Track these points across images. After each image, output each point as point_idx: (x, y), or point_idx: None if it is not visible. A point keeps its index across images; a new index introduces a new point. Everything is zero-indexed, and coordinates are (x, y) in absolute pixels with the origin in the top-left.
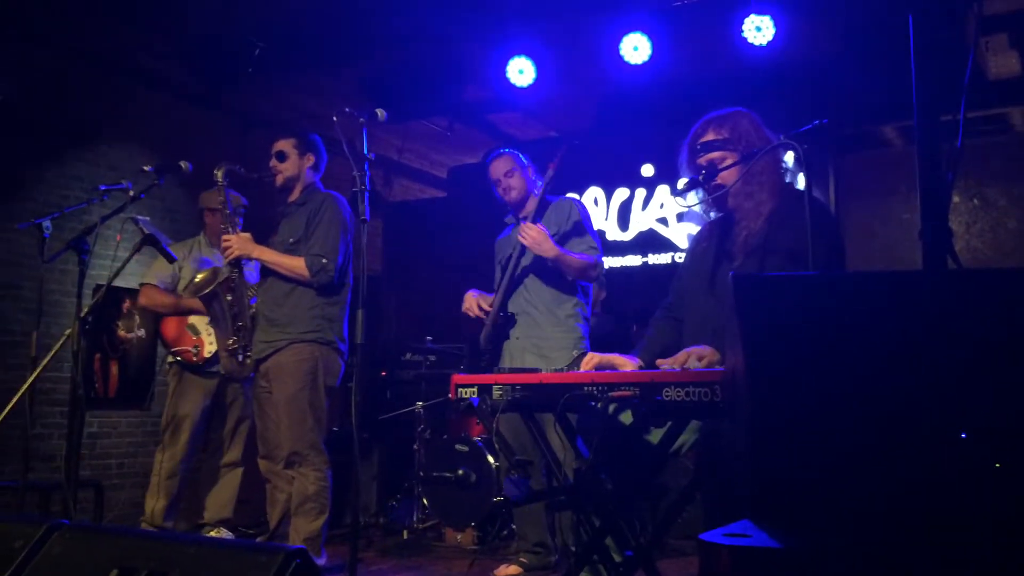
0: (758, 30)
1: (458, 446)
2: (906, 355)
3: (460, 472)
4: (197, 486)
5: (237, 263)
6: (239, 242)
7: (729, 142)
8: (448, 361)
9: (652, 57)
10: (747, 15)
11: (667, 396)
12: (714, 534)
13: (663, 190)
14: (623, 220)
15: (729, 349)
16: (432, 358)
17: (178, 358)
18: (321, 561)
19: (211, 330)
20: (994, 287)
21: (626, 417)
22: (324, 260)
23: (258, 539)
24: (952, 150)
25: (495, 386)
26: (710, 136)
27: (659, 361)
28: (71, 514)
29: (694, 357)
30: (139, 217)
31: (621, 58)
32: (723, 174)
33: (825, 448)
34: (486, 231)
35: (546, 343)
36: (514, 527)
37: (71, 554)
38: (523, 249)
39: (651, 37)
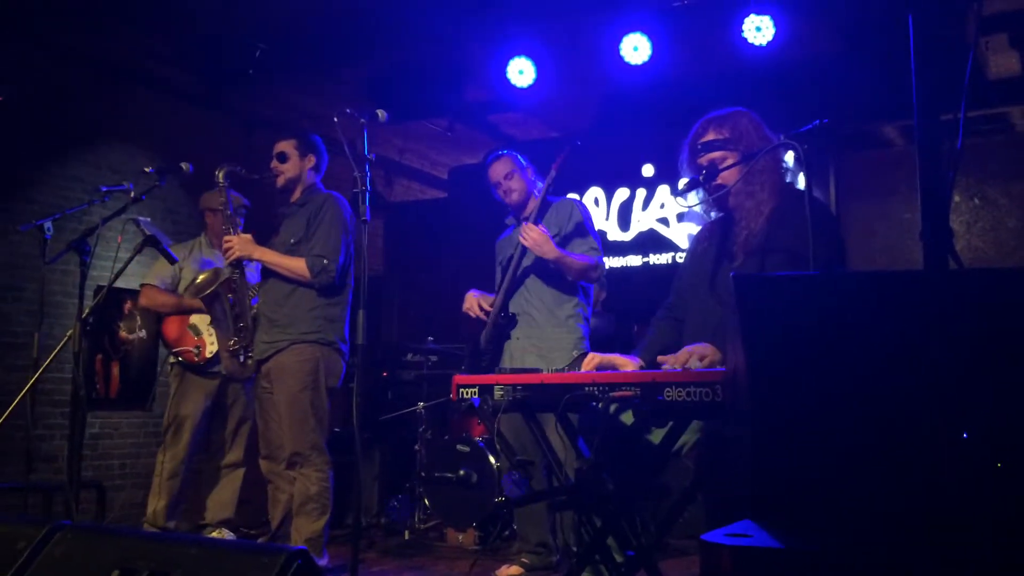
0: (758, 30)
1: (459, 446)
2: (907, 355)
3: (461, 472)
4: (199, 487)
5: (238, 264)
6: (240, 243)
7: (729, 142)
8: (449, 361)
9: (652, 57)
10: (747, 15)
11: (668, 396)
12: (716, 534)
13: (664, 190)
14: (624, 220)
15: (730, 349)
16: (433, 358)
17: (180, 358)
18: (323, 562)
19: (212, 330)
20: (995, 287)
21: (627, 417)
22: (325, 261)
23: (260, 540)
24: (952, 150)
25: (496, 386)
26: (710, 136)
27: (660, 358)
28: (73, 515)
29: (695, 357)
30: (140, 218)
31: (621, 58)
32: (724, 174)
33: (826, 448)
34: (487, 231)
35: (546, 343)
36: (515, 528)
37: (73, 555)
38: (524, 250)
39: (651, 37)
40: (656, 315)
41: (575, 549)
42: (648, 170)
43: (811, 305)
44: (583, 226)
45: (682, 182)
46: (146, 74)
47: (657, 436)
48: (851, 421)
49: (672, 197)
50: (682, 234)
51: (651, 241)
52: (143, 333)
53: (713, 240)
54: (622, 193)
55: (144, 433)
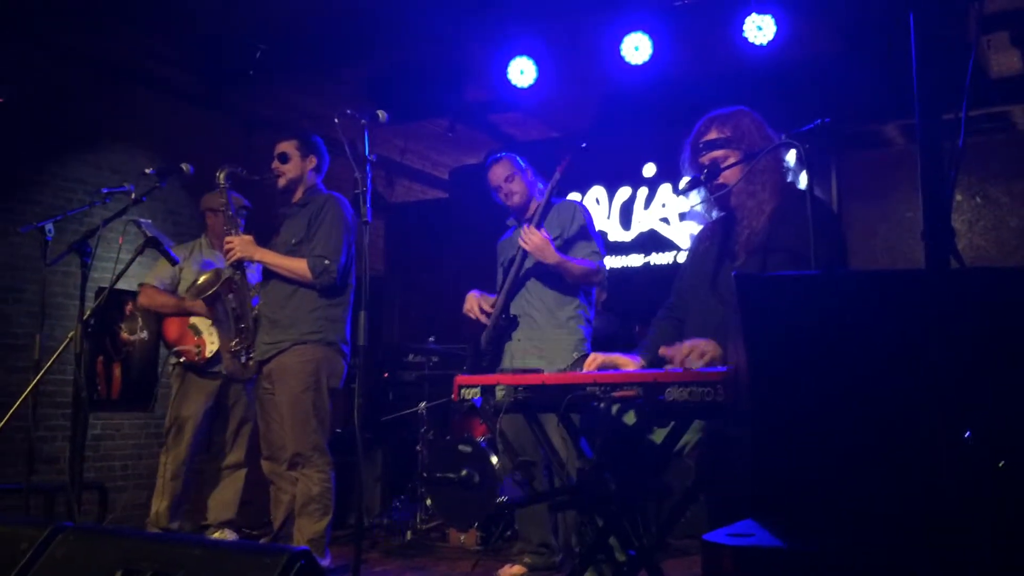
0: (759, 29)
1: (461, 447)
2: (908, 354)
3: (463, 473)
4: (200, 487)
5: (239, 265)
6: (241, 244)
7: (731, 141)
8: (451, 362)
9: (653, 57)
10: (748, 14)
11: (670, 396)
12: (717, 534)
13: (665, 189)
14: (625, 220)
15: (732, 348)
16: (435, 359)
17: (181, 359)
18: (325, 562)
19: (212, 330)
20: (997, 286)
21: (629, 417)
22: (327, 261)
23: (262, 540)
24: (954, 149)
25: (498, 387)
26: (712, 135)
27: (662, 351)
28: (75, 516)
29: (696, 352)
30: (141, 220)
31: (622, 58)
32: (725, 173)
33: (827, 448)
34: (488, 231)
35: (547, 345)
36: (517, 528)
37: (75, 556)
38: (525, 252)
39: (652, 37)
40: (657, 315)
41: (577, 549)
42: (649, 169)
43: (813, 304)
44: (586, 230)
45: (684, 181)
46: (146, 74)
47: (659, 436)
48: (852, 421)
49: (674, 196)
50: (683, 234)
51: (652, 241)
52: (144, 334)
53: (715, 239)
54: (623, 192)
55: (146, 434)
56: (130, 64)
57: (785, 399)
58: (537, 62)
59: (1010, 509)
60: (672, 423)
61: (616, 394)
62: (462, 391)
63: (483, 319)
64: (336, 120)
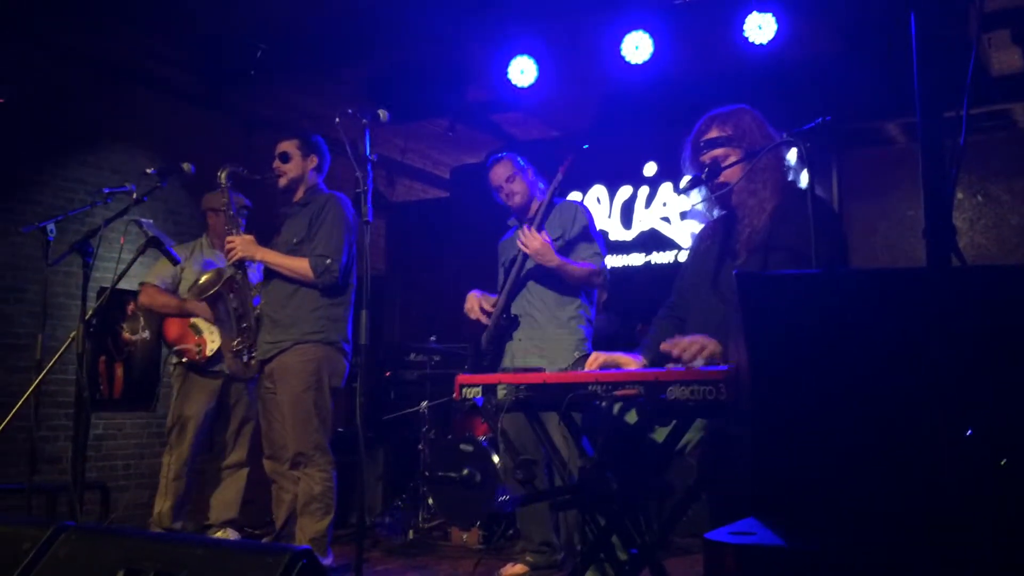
0: (760, 28)
1: (463, 446)
2: (909, 353)
3: (465, 472)
4: (202, 487)
5: (241, 264)
6: (242, 244)
7: (732, 139)
8: (452, 361)
9: (654, 56)
10: (749, 13)
11: (672, 395)
12: (719, 532)
13: (666, 188)
14: (626, 219)
15: (733, 347)
16: (436, 358)
17: (182, 358)
18: (327, 561)
19: (213, 329)
20: (998, 284)
21: (631, 416)
22: (328, 261)
23: (264, 539)
24: (955, 147)
25: (499, 386)
26: (713, 133)
27: (662, 346)
28: (77, 516)
29: (695, 347)
30: (142, 220)
31: (623, 57)
32: (726, 172)
33: (828, 447)
34: (489, 231)
35: (548, 344)
36: (518, 527)
37: (78, 556)
38: (526, 253)
39: (652, 36)
40: (659, 314)
41: (579, 548)
42: (650, 168)
43: (814, 303)
44: (588, 231)
45: (685, 180)
46: (146, 74)
47: (661, 435)
48: (853, 420)
49: (675, 195)
50: (684, 233)
51: (653, 240)
52: (146, 334)
53: (716, 238)
54: (624, 192)
55: (148, 434)
56: (130, 64)
57: (786, 398)
58: (538, 61)
59: (1011, 508)
60: (674, 422)
61: (618, 393)
62: (464, 390)
63: (483, 319)
64: (337, 120)
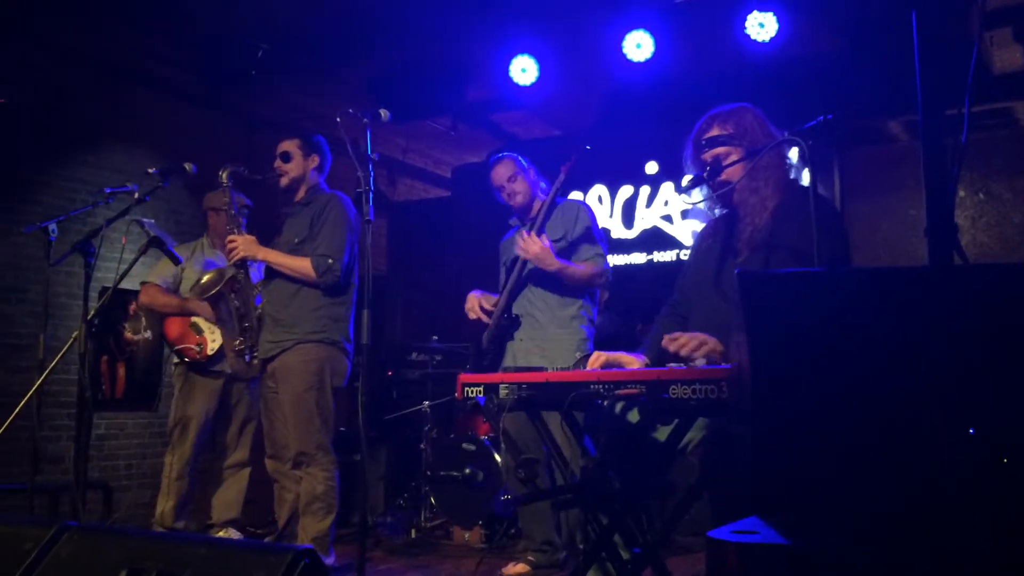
0: (761, 26)
1: (465, 445)
2: (911, 352)
3: (467, 471)
4: (204, 487)
5: (242, 264)
6: (244, 243)
7: (733, 138)
8: (454, 360)
9: (655, 54)
10: (750, 11)
11: (674, 394)
12: (722, 531)
13: (667, 187)
14: (628, 218)
15: (734, 345)
16: (438, 357)
17: (184, 358)
18: (330, 560)
19: (214, 328)
20: (1000, 282)
21: (633, 415)
22: (330, 260)
23: (266, 539)
24: (957, 145)
25: (502, 385)
26: (714, 132)
27: (663, 341)
28: (80, 515)
29: (695, 343)
30: (144, 220)
31: (624, 56)
32: (728, 170)
33: (831, 446)
34: (491, 230)
35: (549, 344)
36: (520, 526)
37: (81, 556)
38: None
39: (654, 34)
40: (660, 313)
41: (581, 547)
42: (652, 167)
43: (815, 302)
44: (590, 231)
45: (686, 179)
46: (146, 74)
47: (663, 434)
48: (855, 419)
49: (676, 194)
50: (686, 231)
51: (655, 238)
52: (148, 334)
53: (717, 237)
54: (626, 191)
55: (150, 434)
56: (130, 64)
57: (787, 397)
58: (539, 60)
59: (1011, 508)
60: (676, 421)
61: (620, 392)
62: (466, 389)
63: (484, 318)
64: (338, 119)
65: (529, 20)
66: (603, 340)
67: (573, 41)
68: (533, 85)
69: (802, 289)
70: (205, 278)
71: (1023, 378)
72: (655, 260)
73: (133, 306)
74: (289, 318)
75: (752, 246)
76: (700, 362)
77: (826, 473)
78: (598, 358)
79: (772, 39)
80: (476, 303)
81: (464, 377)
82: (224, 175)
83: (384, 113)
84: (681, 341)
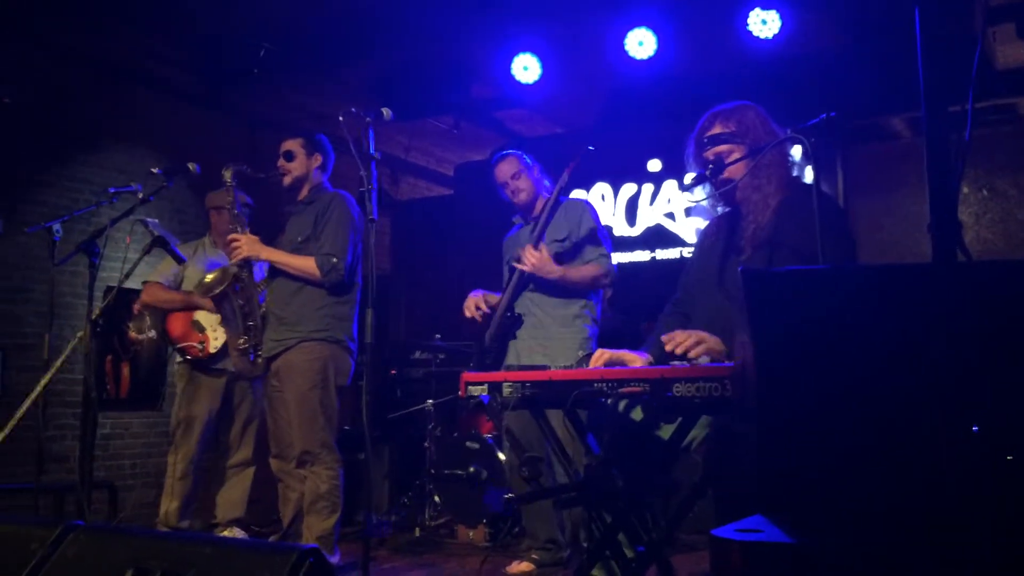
0: (764, 24)
1: (469, 443)
2: (915, 349)
3: (471, 469)
4: (208, 486)
5: (246, 263)
6: (248, 242)
7: (736, 135)
8: (457, 359)
9: (657, 52)
10: (752, 8)
11: (677, 392)
12: (726, 529)
13: (670, 185)
14: (630, 215)
15: (738, 343)
16: (441, 356)
17: (187, 356)
18: (334, 559)
19: (217, 326)
20: (1005, 279)
21: (636, 413)
22: (334, 259)
23: (271, 538)
24: (961, 141)
25: (505, 383)
26: (717, 130)
27: (664, 337)
28: (85, 515)
29: (690, 342)
30: (148, 219)
31: (626, 53)
32: (730, 168)
33: (835, 444)
34: (494, 228)
35: (552, 343)
36: (524, 524)
37: (86, 555)
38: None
39: (656, 32)
40: (664, 311)
41: (585, 545)
42: (654, 165)
43: (819, 300)
44: (595, 232)
45: (689, 177)
46: (146, 74)
47: (666, 432)
48: (860, 417)
49: (679, 192)
50: (689, 229)
51: (658, 236)
52: (152, 333)
53: (720, 235)
54: (628, 188)
55: (155, 433)
56: (130, 64)
57: (791, 394)
58: (541, 59)
59: (1010, 507)
60: (679, 419)
61: (623, 390)
62: (469, 388)
63: (478, 317)
64: (341, 118)
65: (531, 18)
66: (606, 338)
67: (575, 39)
68: (535, 83)
69: (806, 287)
70: (209, 277)
71: None
72: (658, 258)
73: (137, 306)
74: (292, 316)
75: (755, 244)
76: (704, 360)
77: (831, 471)
78: (601, 356)
79: (775, 36)
80: (473, 303)
81: (467, 375)
82: (228, 174)
83: (387, 112)
84: (678, 340)
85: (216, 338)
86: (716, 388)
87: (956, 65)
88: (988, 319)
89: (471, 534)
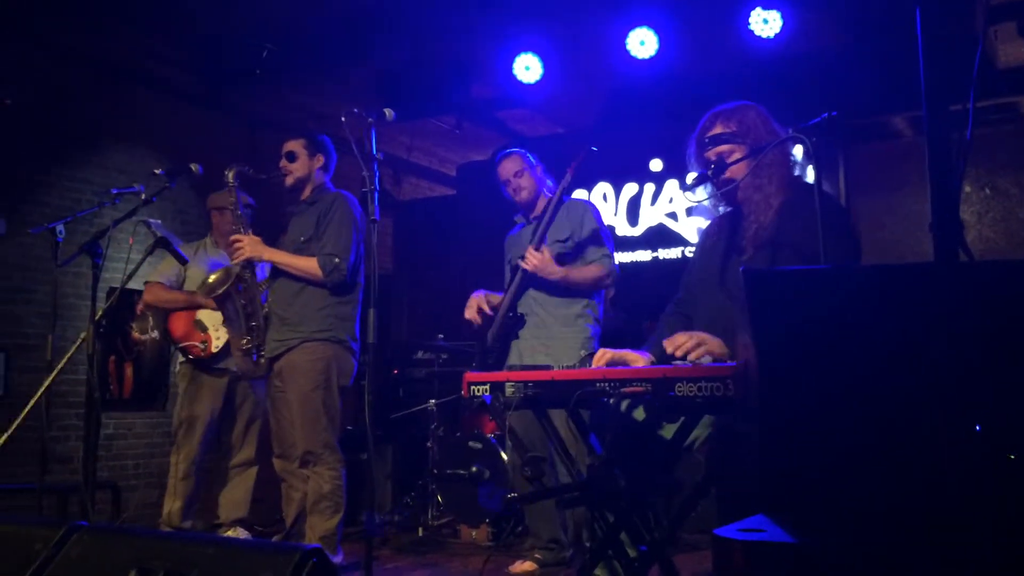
0: (765, 23)
1: (471, 443)
2: (917, 349)
3: (474, 469)
4: (211, 486)
5: (248, 263)
6: (250, 243)
7: (737, 135)
8: (460, 359)
9: (659, 51)
10: (754, 8)
11: (680, 391)
12: (728, 529)
13: (672, 184)
14: (632, 215)
15: (740, 343)
16: (444, 356)
17: (189, 355)
18: (337, 559)
19: (219, 325)
20: (1007, 279)
21: (639, 413)
22: (337, 259)
23: (274, 538)
24: (962, 140)
25: (507, 383)
26: (718, 129)
27: (665, 342)
28: (89, 515)
29: (690, 344)
30: (151, 220)
31: (628, 53)
32: (732, 168)
33: (837, 444)
34: (496, 228)
35: (554, 343)
36: (527, 524)
37: (90, 555)
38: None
39: (657, 31)
40: (666, 310)
41: (588, 545)
42: (656, 165)
43: (821, 299)
44: (597, 233)
45: (690, 176)
46: (146, 74)
47: (669, 431)
48: (862, 417)
49: (681, 192)
50: (691, 229)
51: (660, 236)
52: (155, 334)
53: (722, 234)
54: (630, 188)
55: (158, 433)
56: (130, 64)
57: (793, 394)
58: (542, 58)
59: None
60: (682, 418)
61: (625, 390)
62: (472, 388)
63: (476, 318)
64: (343, 119)
65: (532, 18)
66: (608, 337)
67: (577, 39)
68: (537, 83)
69: (807, 286)
70: (212, 277)
71: None
72: (660, 257)
73: (140, 306)
74: (295, 316)
75: (757, 244)
76: (706, 359)
77: (833, 471)
78: (603, 356)
79: (776, 36)
80: (475, 304)
81: (470, 375)
82: (230, 175)
83: (388, 112)
84: (679, 342)
85: (218, 338)
86: (718, 388)
87: (957, 64)
88: (990, 319)
89: (474, 534)
